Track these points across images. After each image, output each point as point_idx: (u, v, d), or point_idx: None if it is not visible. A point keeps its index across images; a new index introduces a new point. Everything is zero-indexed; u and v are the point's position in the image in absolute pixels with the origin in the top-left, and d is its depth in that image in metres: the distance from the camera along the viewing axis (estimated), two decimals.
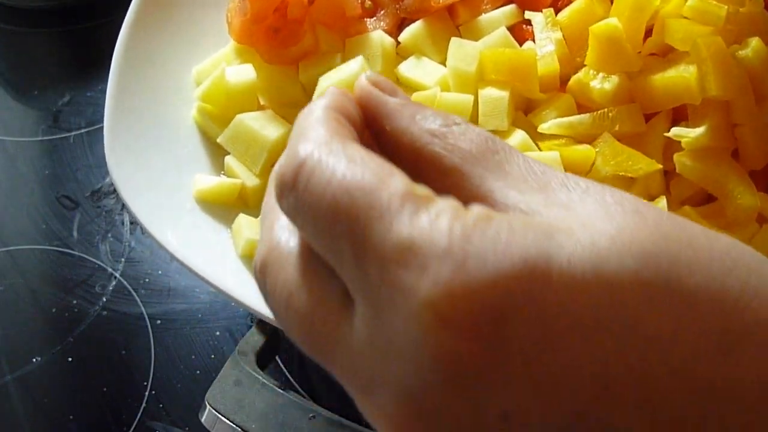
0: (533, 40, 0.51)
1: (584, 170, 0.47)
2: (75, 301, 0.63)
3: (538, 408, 0.21)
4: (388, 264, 0.21)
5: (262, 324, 0.54)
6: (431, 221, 0.21)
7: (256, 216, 0.48)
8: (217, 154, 0.52)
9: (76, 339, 0.61)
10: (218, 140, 0.50)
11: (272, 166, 0.50)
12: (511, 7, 0.53)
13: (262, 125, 0.49)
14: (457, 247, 0.21)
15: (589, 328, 0.21)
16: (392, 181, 0.22)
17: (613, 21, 0.48)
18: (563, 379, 0.21)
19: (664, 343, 0.21)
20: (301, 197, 0.23)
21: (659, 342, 0.21)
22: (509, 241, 0.21)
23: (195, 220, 0.49)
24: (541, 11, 0.52)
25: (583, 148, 0.47)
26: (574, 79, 0.50)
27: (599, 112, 0.48)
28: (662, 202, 0.46)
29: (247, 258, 0.47)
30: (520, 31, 0.53)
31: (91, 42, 0.80)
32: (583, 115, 0.49)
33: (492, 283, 0.21)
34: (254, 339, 0.53)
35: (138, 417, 0.57)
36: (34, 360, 0.60)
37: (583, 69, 0.50)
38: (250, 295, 0.44)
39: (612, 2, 0.50)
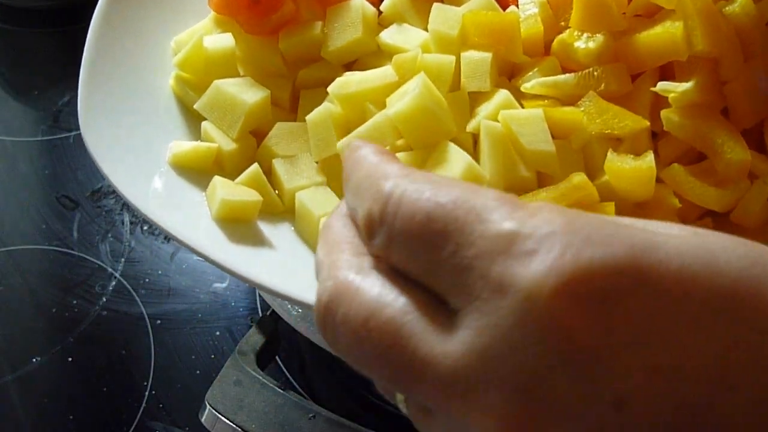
0: (517, 6, 0.51)
1: (570, 131, 0.47)
2: (75, 301, 0.63)
3: (652, 397, 0.21)
4: (493, 257, 0.22)
5: (262, 324, 0.54)
6: (531, 213, 0.22)
7: (231, 179, 0.48)
8: (194, 122, 0.52)
9: (76, 339, 0.61)
10: (195, 106, 0.50)
11: (249, 131, 0.50)
12: None
13: (240, 90, 0.49)
14: (563, 231, 0.21)
15: (703, 319, 0.21)
16: (482, 190, 0.23)
17: None
18: (679, 368, 0.21)
19: None
20: (392, 227, 0.24)
21: None
22: (614, 230, 0.21)
23: (169, 183, 0.48)
24: None
25: (569, 109, 0.47)
26: (558, 39, 0.49)
27: (584, 71, 0.48)
28: (649, 156, 0.44)
29: (222, 220, 0.46)
30: None
31: None
32: (567, 75, 0.48)
33: (602, 264, 0.21)
34: (254, 339, 0.53)
35: (138, 417, 0.57)
36: (34, 360, 0.60)
37: (568, 30, 0.49)
38: (224, 254, 0.44)
39: None
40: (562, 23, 0.50)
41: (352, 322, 0.24)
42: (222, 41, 0.51)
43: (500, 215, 0.22)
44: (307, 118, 0.48)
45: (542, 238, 0.21)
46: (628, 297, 0.21)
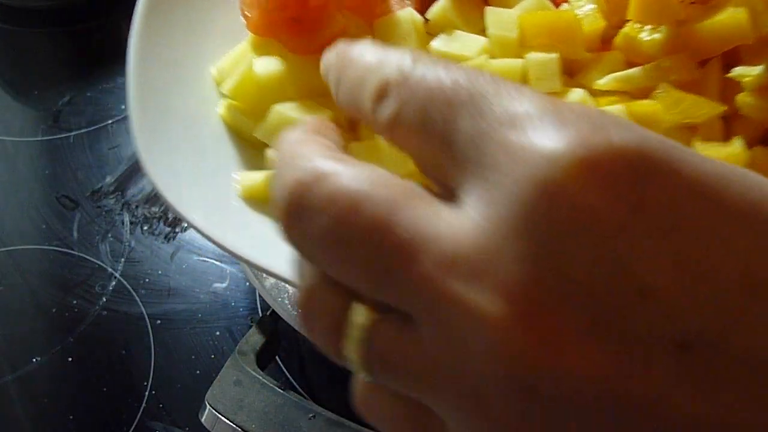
0: (567, 2, 0.51)
1: (648, 124, 0.46)
2: (75, 301, 0.63)
3: (680, 289, 0.19)
4: (517, 125, 0.20)
5: (262, 324, 0.54)
6: (567, 102, 0.21)
7: None
8: (250, 150, 0.51)
9: (76, 339, 0.61)
10: (256, 134, 0.50)
11: None
12: None
13: (301, 114, 0.49)
14: (597, 114, 0.20)
15: (736, 223, 0.19)
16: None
17: None
18: (708, 266, 0.19)
19: None
20: (414, 86, 0.22)
21: None
22: (648, 130, 0.20)
23: (248, 217, 0.47)
24: None
25: (647, 102, 0.47)
26: (621, 34, 0.49)
27: (653, 63, 0.48)
28: (738, 141, 0.45)
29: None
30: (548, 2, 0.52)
31: (91, 42, 0.81)
32: (637, 68, 0.48)
33: (636, 146, 0.19)
34: (254, 339, 0.53)
35: (138, 417, 0.57)
36: (34, 360, 0.60)
37: (628, 24, 0.49)
38: None
39: None
40: (616, 17, 0.50)
41: (338, 203, 0.21)
42: (273, 65, 0.50)
43: (534, 92, 0.21)
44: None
45: (574, 116, 0.20)
46: (659, 182, 0.19)
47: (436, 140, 0.21)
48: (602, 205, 0.19)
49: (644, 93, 0.48)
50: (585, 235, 0.19)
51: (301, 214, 0.22)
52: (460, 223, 0.20)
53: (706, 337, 0.19)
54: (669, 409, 0.19)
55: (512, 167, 0.19)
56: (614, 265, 0.19)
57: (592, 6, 0.50)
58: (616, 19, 0.51)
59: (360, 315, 0.22)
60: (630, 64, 0.49)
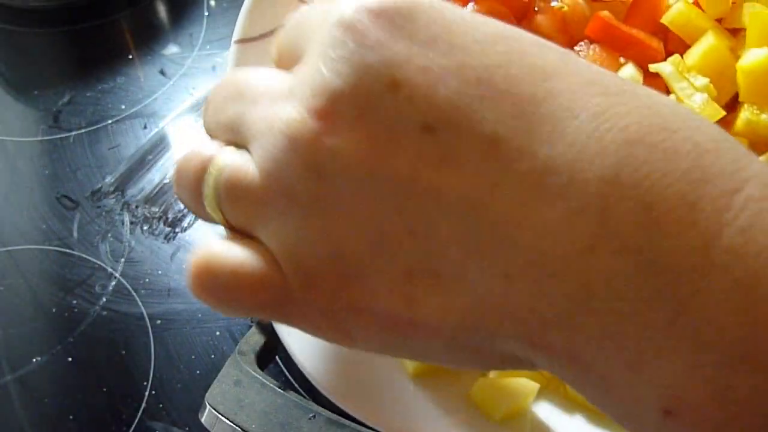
0: (668, 92, 0.50)
1: None
2: (75, 301, 0.63)
3: (421, 83, 0.25)
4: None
5: (262, 324, 0.54)
6: None
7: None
8: None
9: (76, 339, 0.61)
10: None
11: None
12: (629, 68, 0.52)
13: None
14: None
15: (462, 35, 0.26)
16: None
17: (762, 53, 0.47)
18: (446, 64, 0.25)
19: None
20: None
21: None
22: None
23: (429, 403, 0.47)
24: (664, 61, 0.51)
25: None
26: (741, 120, 0.49)
27: None
28: None
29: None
30: (650, 87, 0.52)
31: (91, 42, 0.80)
32: None
33: (409, 2, 0.26)
34: (254, 339, 0.53)
35: (138, 417, 0.57)
36: (34, 360, 0.60)
37: (745, 107, 0.49)
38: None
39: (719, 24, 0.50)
40: (725, 99, 0.50)
41: (225, 86, 0.32)
42: None
43: None
44: None
45: None
46: (419, 20, 0.26)
47: (301, 36, 0.29)
48: (375, 33, 0.26)
49: None
50: (361, 51, 0.26)
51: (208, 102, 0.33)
52: (293, 75, 0.28)
53: (446, 122, 0.25)
54: (416, 182, 0.25)
55: (326, 23, 0.27)
56: (374, 69, 0.25)
57: (703, 95, 0.49)
58: (724, 101, 0.50)
59: (219, 154, 0.30)
60: (755, 147, 0.49)
